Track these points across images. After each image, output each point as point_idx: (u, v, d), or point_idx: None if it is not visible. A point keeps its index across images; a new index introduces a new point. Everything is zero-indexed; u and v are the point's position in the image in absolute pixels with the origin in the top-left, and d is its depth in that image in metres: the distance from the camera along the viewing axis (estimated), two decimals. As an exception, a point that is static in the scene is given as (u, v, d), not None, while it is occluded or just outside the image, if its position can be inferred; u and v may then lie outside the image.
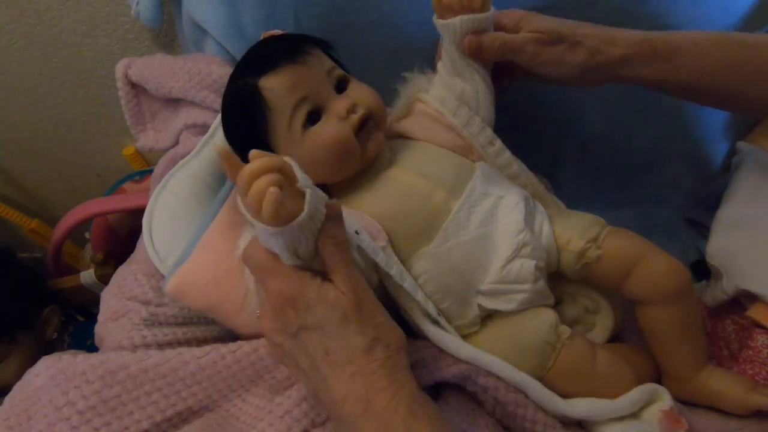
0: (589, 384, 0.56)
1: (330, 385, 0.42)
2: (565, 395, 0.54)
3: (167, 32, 0.91)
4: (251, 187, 0.38)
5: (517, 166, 0.63)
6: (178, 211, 0.62)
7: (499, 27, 0.59)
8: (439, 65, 0.63)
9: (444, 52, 0.61)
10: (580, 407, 0.53)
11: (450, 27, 0.57)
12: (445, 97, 0.62)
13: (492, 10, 0.57)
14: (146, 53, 0.92)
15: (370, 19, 0.75)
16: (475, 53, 0.58)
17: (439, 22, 0.58)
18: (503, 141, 0.63)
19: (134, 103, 0.77)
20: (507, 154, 0.63)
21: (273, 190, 0.37)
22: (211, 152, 0.66)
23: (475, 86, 0.61)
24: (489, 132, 0.62)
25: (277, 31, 0.68)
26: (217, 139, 0.66)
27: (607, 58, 0.58)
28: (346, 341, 0.42)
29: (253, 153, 0.39)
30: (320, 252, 0.42)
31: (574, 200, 0.87)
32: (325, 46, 0.60)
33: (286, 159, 0.40)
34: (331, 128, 0.54)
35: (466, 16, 0.56)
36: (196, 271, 0.57)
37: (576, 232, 0.59)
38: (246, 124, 0.56)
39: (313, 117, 0.55)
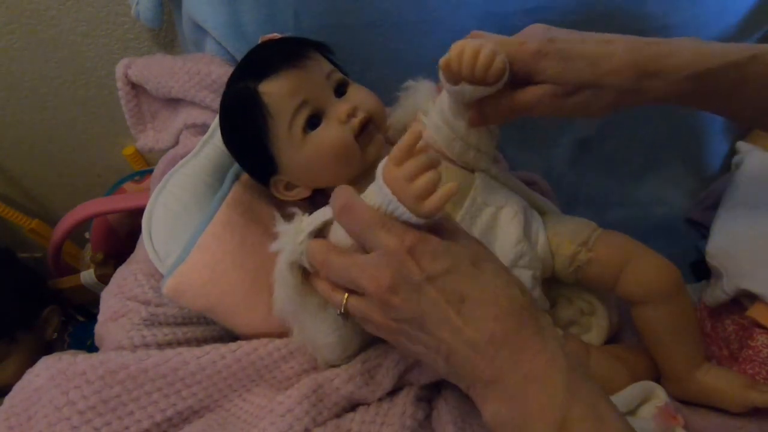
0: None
1: (469, 333, 0.38)
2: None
3: (167, 32, 0.91)
4: (423, 176, 0.39)
5: (513, 182, 0.63)
6: (177, 211, 0.61)
7: (511, 69, 0.49)
8: (446, 99, 0.57)
9: (449, 105, 0.56)
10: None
11: (458, 94, 0.51)
12: (441, 127, 0.58)
13: (506, 76, 0.49)
14: (146, 53, 0.92)
15: (370, 20, 0.75)
16: (480, 125, 0.55)
17: (446, 85, 0.52)
18: (502, 140, 0.63)
19: (134, 103, 0.77)
20: (503, 176, 0.62)
21: (453, 186, 0.38)
22: (211, 152, 0.66)
23: (478, 136, 0.58)
24: (485, 162, 0.60)
25: (275, 35, 0.68)
26: (216, 139, 0.66)
27: (645, 96, 0.48)
28: (483, 282, 0.39)
29: (421, 145, 0.40)
30: None
31: (573, 200, 0.87)
32: (324, 50, 0.60)
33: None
34: (332, 132, 0.54)
35: (477, 87, 0.49)
36: (194, 271, 0.57)
37: (567, 236, 0.59)
38: (246, 128, 0.56)
39: (313, 121, 0.55)
